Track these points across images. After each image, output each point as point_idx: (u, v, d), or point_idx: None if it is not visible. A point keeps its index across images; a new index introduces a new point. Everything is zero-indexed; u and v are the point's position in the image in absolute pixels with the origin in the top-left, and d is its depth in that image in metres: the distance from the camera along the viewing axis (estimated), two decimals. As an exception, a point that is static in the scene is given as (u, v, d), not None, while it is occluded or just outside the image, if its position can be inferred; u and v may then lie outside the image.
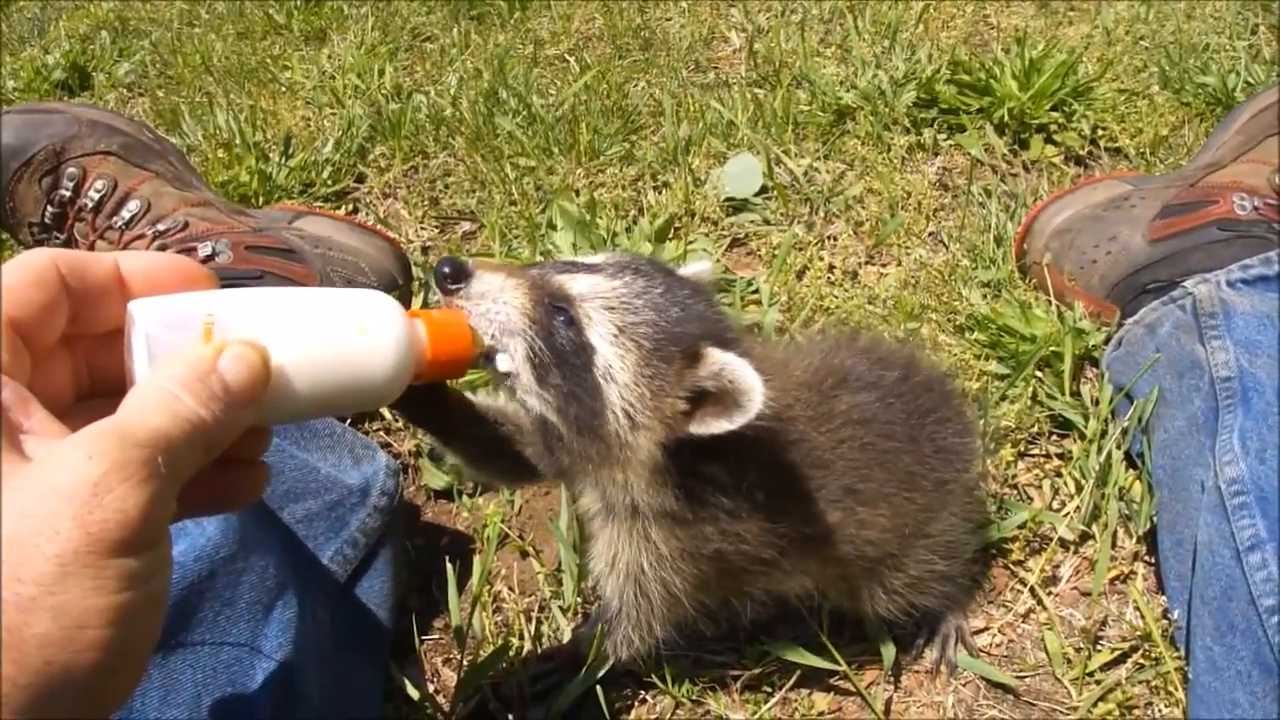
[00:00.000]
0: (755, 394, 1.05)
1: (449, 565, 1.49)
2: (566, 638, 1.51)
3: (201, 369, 0.74)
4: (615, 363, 1.12)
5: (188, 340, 0.78)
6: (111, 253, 0.83)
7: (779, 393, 1.11)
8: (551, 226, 2.20)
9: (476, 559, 1.57)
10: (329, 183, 2.63)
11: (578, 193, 2.37)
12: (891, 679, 1.45)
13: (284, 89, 3.17)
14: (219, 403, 0.74)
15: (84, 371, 0.84)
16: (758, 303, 1.97)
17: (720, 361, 1.08)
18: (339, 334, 0.84)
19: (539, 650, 1.52)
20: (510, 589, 1.60)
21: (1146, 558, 1.56)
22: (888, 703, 1.43)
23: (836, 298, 1.98)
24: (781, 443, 1.19)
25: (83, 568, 0.63)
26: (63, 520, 0.63)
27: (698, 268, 1.25)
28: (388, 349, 0.86)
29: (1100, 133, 2.49)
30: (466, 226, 2.41)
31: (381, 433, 1.87)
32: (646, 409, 1.12)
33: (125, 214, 1.92)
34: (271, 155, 2.73)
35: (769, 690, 1.44)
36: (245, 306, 0.82)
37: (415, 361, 0.90)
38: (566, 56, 3.09)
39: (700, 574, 1.23)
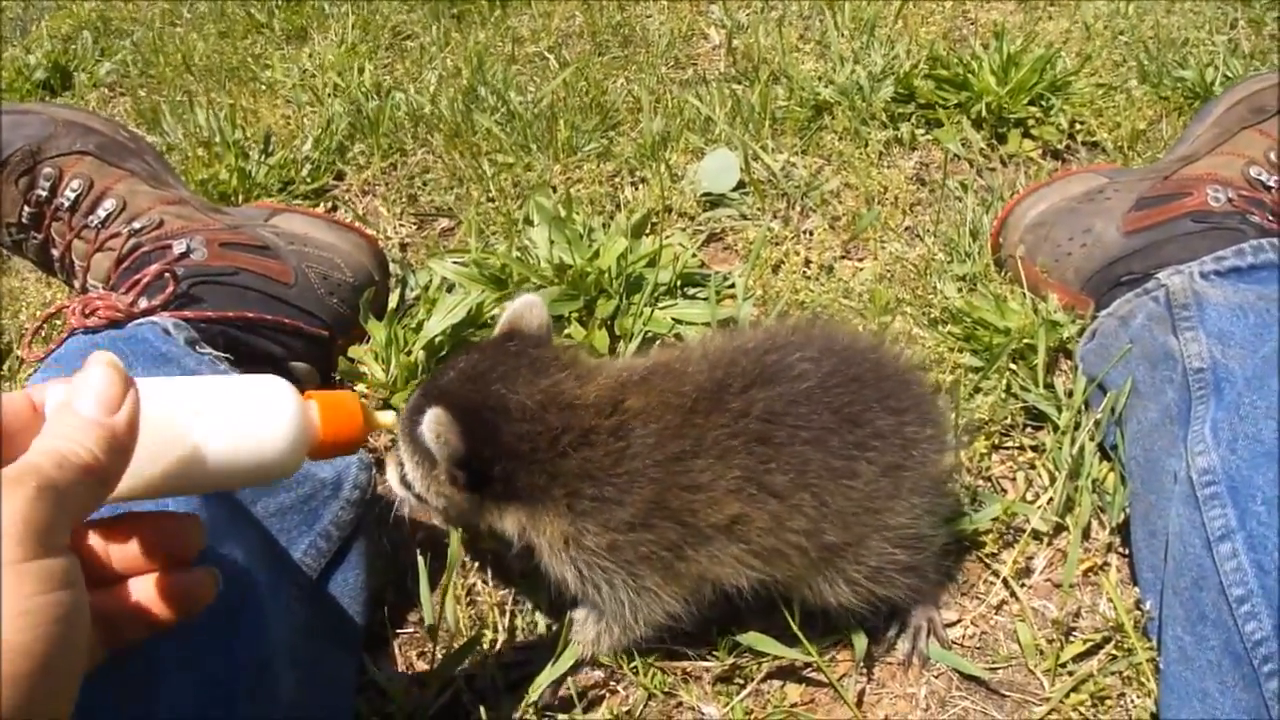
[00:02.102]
0: (429, 437, 1.20)
1: (421, 559, 1.48)
2: (541, 629, 1.51)
3: (60, 412, 0.80)
4: (409, 471, 1.35)
5: None
6: (21, 391, 0.86)
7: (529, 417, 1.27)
8: (528, 222, 2.20)
9: (449, 552, 1.56)
10: (308, 180, 2.63)
11: (555, 189, 2.37)
12: (864, 671, 1.45)
13: (264, 87, 3.17)
14: (85, 430, 0.77)
15: None
16: (733, 297, 1.97)
17: (423, 427, 1.21)
18: (240, 416, 0.91)
19: (513, 642, 1.52)
20: (484, 582, 1.60)
21: (1120, 549, 1.57)
22: (860, 694, 1.43)
23: (812, 291, 1.98)
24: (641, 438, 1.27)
25: None
26: None
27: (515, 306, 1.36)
28: (282, 431, 0.93)
29: (1078, 127, 2.50)
30: (444, 223, 2.41)
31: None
32: (439, 492, 1.32)
33: (101, 213, 1.91)
34: (251, 153, 2.72)
35: (741, 682, 1.45)
36: (160, 391, 0.89)
37: (308, 441, 0.97)
38: (546, 54, 3.09)
39: (634, 567, 1.29)
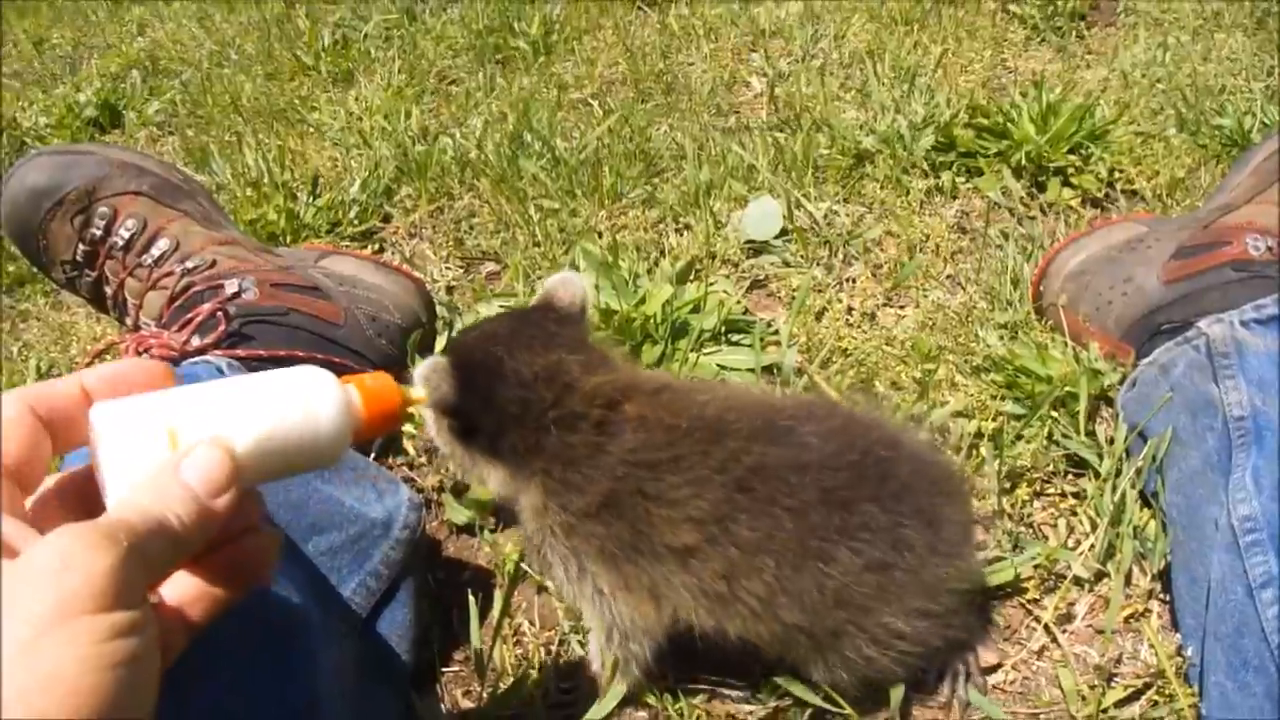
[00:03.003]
0: (420, 381, 1.26)
1: (470, 598, 1.51)
2: (588, 671, 1.53)
3: (164, 476, 0.81)
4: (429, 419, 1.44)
5: (148, 443, 0.85)
6: (74, 374, 0.89)
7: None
8: (574, 267, 2.23)
9: (497, 593, 1.59)
10: (355, 222, 2.67)
11: (600, 235, 2.41)
12: (901, 718, 1.47)
13: (311, 130, 3.22)
14: (184, 503, 0.79)
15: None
16: (777, 344, 1.99)
17: (417, 372, 1.29)
18: (285, 412, 0.93)
19: (559, 683, 1.54)
20: (531, 622, 1.62)
21: (1161, 595, 1.57)
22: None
23: (855, 339, 2.00)
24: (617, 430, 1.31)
25: (54, 626, 0.66)
26: (34, 588, 0.67)
27: (554, 280, 1.43)
28: (329, 419, 0.95)
29: (1117, 175, 2.51)
30: (490, 267, 2.44)
31: (405, 468, 1.90)
32: (443, 439, 1.42)
33: (155, 252, 1.95)
34: (299, 195, 2.76)
35: (785, 725, 1.47)
36: (200, 401, 0.91)
37: (353, 425, 0.99)
38: (590, 100, 3.13)
39: (585, 558, 1.34)
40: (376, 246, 2.61)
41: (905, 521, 1.29)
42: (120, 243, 1.97)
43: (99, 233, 1.97)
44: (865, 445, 1.32)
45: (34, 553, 0.69)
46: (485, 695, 1.48)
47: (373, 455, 1.89)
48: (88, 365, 1.74)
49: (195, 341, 1.73)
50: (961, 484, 1.45)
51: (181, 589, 0.87)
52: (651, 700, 1.49)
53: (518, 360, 1.32)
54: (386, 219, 2.73)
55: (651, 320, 1.99)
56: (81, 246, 1.99)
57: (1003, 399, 1.84)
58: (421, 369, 1.27)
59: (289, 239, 2.62)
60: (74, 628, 0.67)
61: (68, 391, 0.88)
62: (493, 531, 1.76)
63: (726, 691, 1.50)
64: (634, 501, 1.28)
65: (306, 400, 0.95)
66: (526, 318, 1.42)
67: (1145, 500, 1.66)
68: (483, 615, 1.54)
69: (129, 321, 1.99)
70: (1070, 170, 2.49)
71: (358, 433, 1.00)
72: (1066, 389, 1.78)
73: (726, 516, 1.26)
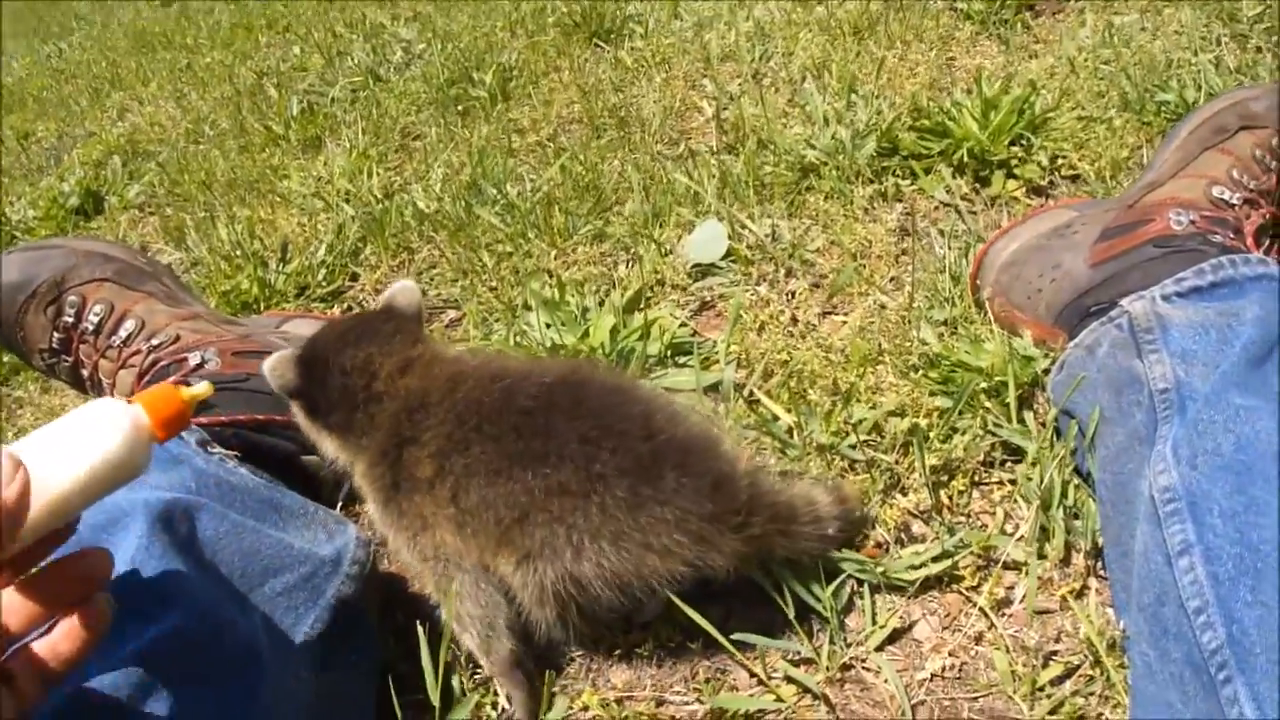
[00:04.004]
0: (267, 371, 1.59)
1: (420, 630, 1.56)
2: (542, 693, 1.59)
3: None
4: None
5: None
6: None
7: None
8: (526, 307, 2.28)
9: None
10: (324, 284, 2.74)
11: (550, 273, 2.45)
12: (843, 709, 1.51)
13: (281, 198, 3.29)
14: None
15: None
16: (719, 362, 2.04)
17: (264, 364, 1.61)
18: (87, 444, 1.06)
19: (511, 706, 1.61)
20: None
21: (1100, 573, 1.61)
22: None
23: (796, 349, 2.04)
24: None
25: None
26: None
27: (394, 288, 1.70)
28: (123, 438, 1.08)
29: (1060, 162, 2.54)
30: (452, 314, 2.50)
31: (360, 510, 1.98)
32: (298, 419, 1.69)
33: (122, 333, 2.05)
34: (270, 262, 2.83)
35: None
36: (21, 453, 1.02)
37: (148, 434, 1.13)
38: (545, 142, 3.19)
39: (376, 495, 1.59)
40: (346, 305, 2.68)
41: (603, 460, 1.42)
42: (90, 327, 2.06)
43: (70, 319, 2.07)
44: (579, 392, 1.50)
45: None
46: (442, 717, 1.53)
47: (339, 505, 1.95)
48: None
49: (163, 413, 1.80)
50: (712, 445, 1.52)
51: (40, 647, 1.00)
52: (600, 710, 1.54)
53: (343, 355, 1.58)
54: (354, 278, 2.80)
55: (599, 351, 2.04)
56: (56, 334, 2.09)
57: (936, 395, 1.87)
58: (269, 361, 1.58)
59: (263, 305, 2.69)
60: None
61: None
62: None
63: (670, 698, 1.55)
64: (397, 448, 1.52)
65: (102, 429, 1.07)
66: (363, 319, 1.71)
67: (1081, 480, 1.69)
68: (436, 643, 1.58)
69: (104, 401, 2.05)
70: (1013, 162, 2.53)
71: (155, 437, 1.14)
72: (997, 378, 1.82)
73: (451, 449, 1.47)
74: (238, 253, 2.88)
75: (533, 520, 1.42)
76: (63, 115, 5.64)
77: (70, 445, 1.06)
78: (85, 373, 2.11)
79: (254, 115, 4.27)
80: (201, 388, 1.26)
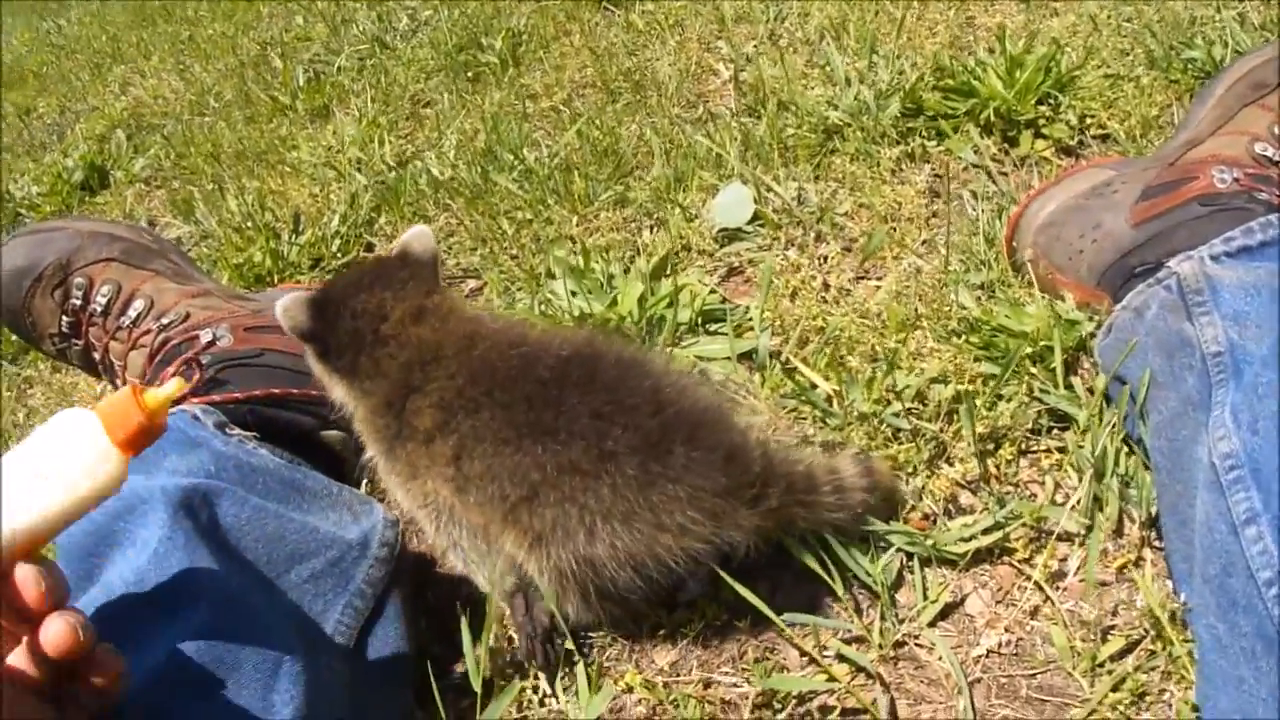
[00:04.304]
0: (279, 312, 1.54)
1: (461, 613, 1.52)
2: (581, 676, 1.55)
3: None
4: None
5: None
6: None
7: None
8: (550, 276, 2.25)
9: (489, 605, 1.61)
10: (338, 255, 2.71)
11: (573, 240, 2.41)
12: (898, 688, 1.47)
13: (291, 169, 3.24)
14: None
15: None
16: (753, 329, 2.00)
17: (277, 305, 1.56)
18: (45, 479, 1.06)
19: (554, 688, 1.57)
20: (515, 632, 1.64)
21: (1155, 543, 1.56)
22: (892, 709, 1.45)
23: (830, 316, 2.00)
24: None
25: None
26: None
27: (409, 234, 1.68)
28: (85, 468, 1.08)
29: (1088, 121, 2.48)
30: (472, 284, 2.47)
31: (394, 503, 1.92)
32: (310, 363, 1.66)
33: (131, 313, 2.02)
34: (282, 234, 2.79)
35: (779, 706, 1.47)
36: None
37: (112, 455, 1.11)
38: (560, 107, 3.15)
39: (376, 444, 1.59)
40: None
41: (614, 436, 1.39)
42: (99, 309, 2.03)
43: (78, 302, 2.04)
44: (593, 365, 1.47)
45: None
46: (483, 704, 1.48)
47: (364, 485, 1.91)
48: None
49: (176, 393, 1.76)
50: (723, 416, 1.51)
51: None
52: (645, 692, 1.50)
53: (355, 298, 1.56)
54: (369, 248, 2.76)
55: (628, 319, 2.00)
56: (64, 318, 2.06)
57: (980, 361, 1.82)
58: (283, 301, 1.54)
59: (276, 279, 2.66)
60: None
61: None
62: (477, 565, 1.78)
63: (718, 678, 1.51)
64: (402, 396, 1.51)
65: (65, 456, 1.08)
66: (379, 265, 1.68)
67: (1131, 447, 1.65)
68: (478, 627, 1.53)
69: (118, 382, 2.03)
70: (1041, 121, 2.47)
71: (126, 452, 1.11)
72: (1042, 343, 1.77)
73: (459, 407, 1.44)
74: (249, 224, 2.85)
75: (543, 500, 1.40)
76: (64, 91, 5.60)
77: (28, 475, 1.06)
78: (96, 355, 2.08)
79: (259, 86, 4.23)
80: (169, 387, 1.21)
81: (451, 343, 1.52)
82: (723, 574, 1.44)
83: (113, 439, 1.10)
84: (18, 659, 1.02)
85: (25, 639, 1.02)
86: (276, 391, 1.87)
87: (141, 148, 4.11)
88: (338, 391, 1.62)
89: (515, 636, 1.61)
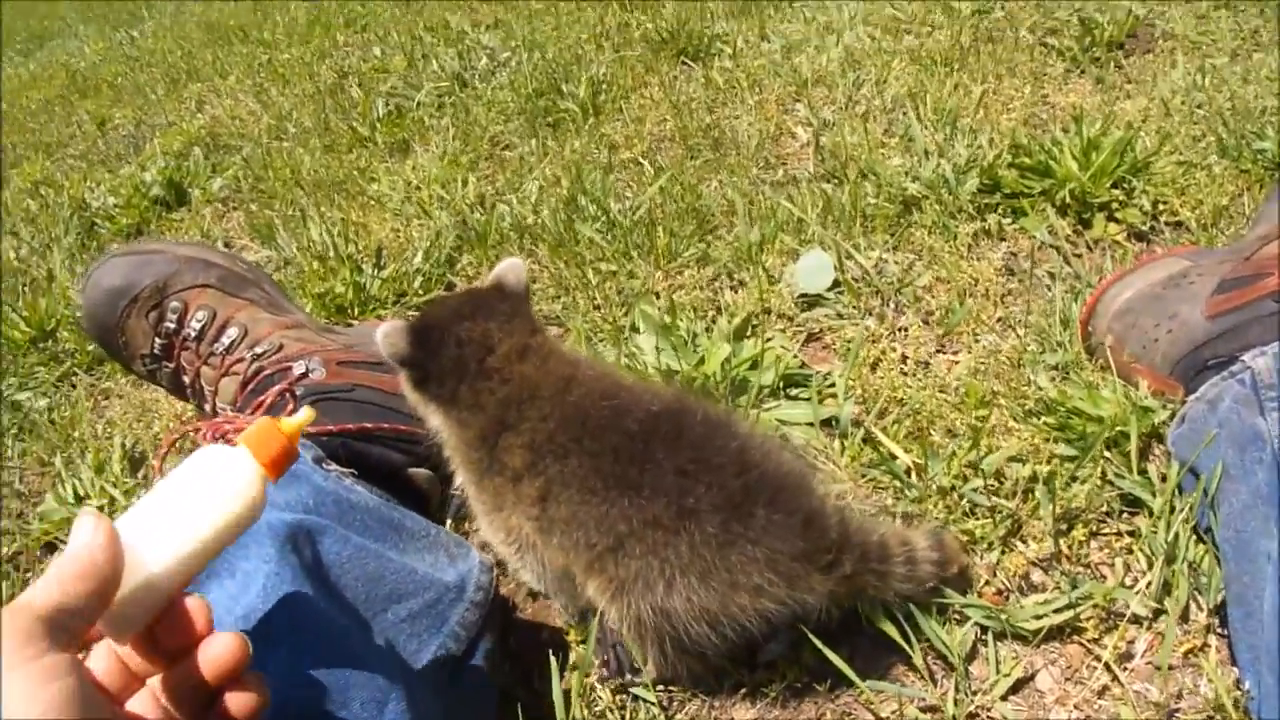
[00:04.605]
0: (380, 338, 1.54)
1: (551, 658, 1.58)
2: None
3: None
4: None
5: None
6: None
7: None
8: (634, 329, 2.31)
9: (572, 653, 1.66)
10: (420, 292, 2.77)
11: (658, 295, 2.47)
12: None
13: (372, 201, 3.31)
14: (71, 560, 0.96)
15: None
16: (834, 396, 2.05)
17: (378, 332, 1.56)
18: (197, 501, 1.12)
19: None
20: (602, 680, 1.69)
21: (1219, 630, 1.60)
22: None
23: (909, 388, 2.05)
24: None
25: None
26: None
27: (501, 266, 1.69)
28: (234, 489, 1.14)
29: (1160, 207, 2.53)
30: (553, 331, 2.51)
31: (478, 531, 1.97)
32: (405, 389, 1.66)
33: (225, 340, 2.07)
34: (364, 267, 2.85)
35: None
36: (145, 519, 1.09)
37: (258, 481, 1.17)
38: (640, 159, 3.21)
39: (468, 473, 1.63)
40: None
41: (697, 494, 1.43)
42: (193, 334, 2.07)
43: (172, 326, 2.09)
44: (681, 422, 1.50)
45: None
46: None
47: (448, 522, 1.97)
48: (164, 455, 1.85)
49: (269, 421, 1.82)
50: (804, 481, 1.54)
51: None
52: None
53: (460, 326, 1.57)
54: (449, 287, 2.82)
55: (711, 379, 2.06)
56: (158, 340, 2.10)
57: (1055, 441, 1.87)
58: (383, 327, 1.54)
59: (357, 311, 2.72)
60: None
61: None
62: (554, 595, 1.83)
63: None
64: (495, 432, 1.54)
65: (215, 483, 1.14)
66: (477, 295, 1.68)
67: (1199, 536, 1.69)
68: (560, 674, 1.59)
69: (207, 408, 2.08)
70: (1114, 205, 2.52)
71: (269, 477, 1.18)
72: (1118, 429, 1.82)
73: (548, 450, 1.49)
74: (331, 255, 2.90)
75: (627, 551, 1.45)
76: (140, 103, 5.69)
77: (187, 504, 1.11)
78: (186, 379, 2.12)
79: (338, 115, 4.31)
80: (302, 415, 1.28)
81: (548, 384, 1.55)
82: (811, 636, 1.49)
83: (260, 462, 1.17)
84: (141, 704, 1.07)
85: (157, 679, 1.08)
86: (369, 426, 1.92)
87: (220, 167, 4.19)
88: (433, 419, 1.64)
89: (595, 663, 1.67)
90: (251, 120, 4.70)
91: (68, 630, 0.91)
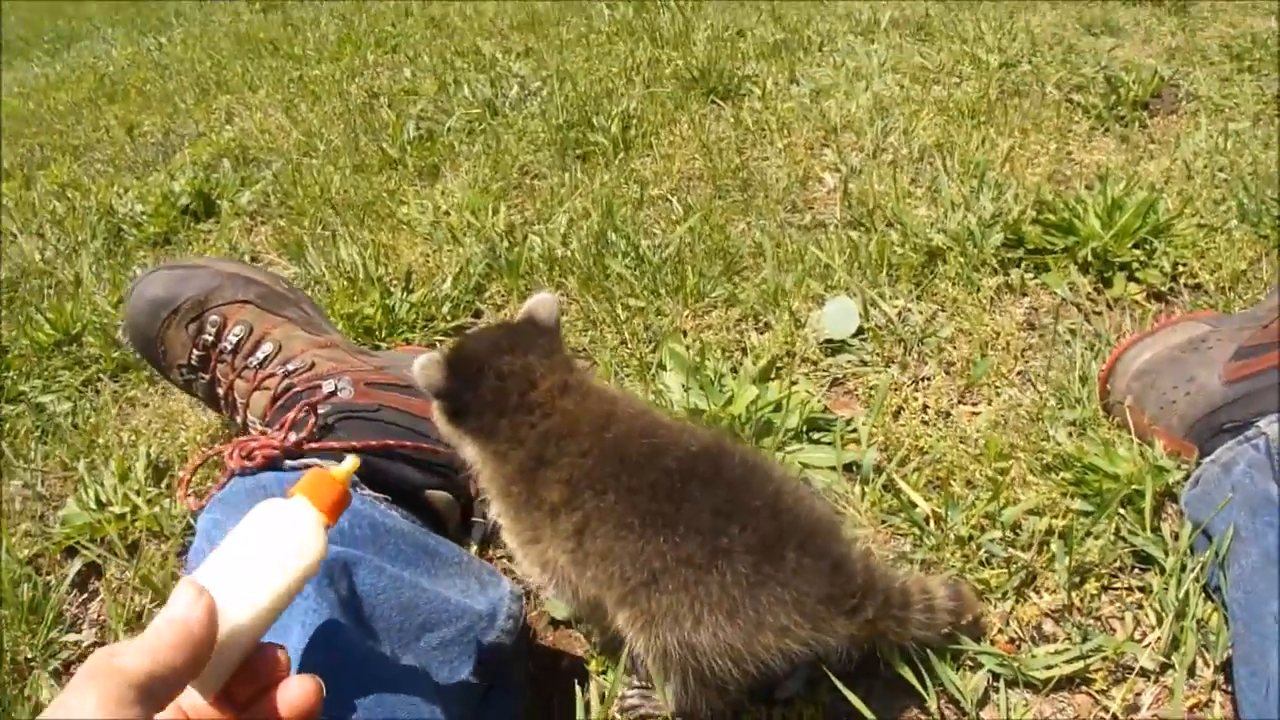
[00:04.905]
0: (417, 370, 1.57)
1: (576, 688, 1.62)
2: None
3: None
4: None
5: None
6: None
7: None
8: (661, 367, 2.35)
9: (593, 682, 1.71)
10: (448, 318, 2.80)
11: (685, 333, 2.52)
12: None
13: (403, 224, 3.35)
14: (168, 626, 1.01)
15: None
16: (856, 441, 2.10)
17: (415, 364, 1.58)
18: (265, 557, 1.18)
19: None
20: (621, 714, 1.73)
21: (1224, 687, 1.64)
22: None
23: (930, 437, 2.10)
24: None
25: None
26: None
27: (533, 300, 1.71)
28: (302, 543, 1.20)
29: (1180, 269, 2.58)
30: (580, 364, 2.53)
31: (505, 559, 2.01)
32: (437, 419, 1.67)
33: (259, 355, 2.11)
34: (393, 290, 2.89)
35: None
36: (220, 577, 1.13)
37: (320, 530, 1.23)
38: (669, 196, 3.27)
39: (503, 503, 1.64)
40: (473, 339, 2.72)
41: (731, 534, 1.46)
42: (229, 347, 2.12)
43: (210, 338, 2.14)
44: (719, 463, 1.54)
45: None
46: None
47: (474, 548, 2.01)
48: (191, 475, 1.91)
49: (292, 437, 1.86)
50: (834, 527, 1.57)
51: None
52: None
53: (500, 359, 1.60)
54: (477, 314, 2.87)
55: (738, 420, 2.10)
56: (195, 352, 2.16)
57: (1072, 496, 1.92)
58: (420, 360, 1.57)
59: (385, 333, 2.76)
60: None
61: None
62: (585, 623, 1.87)
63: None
64: (534, 466, 1.55)
65: (281, 537, 1.20)
66: (512, 328, 1.69)
67: (1208, 594, 1.73)
68: (585, 709, 1.63)
69: (239, 420, 2.12)
70: (1135, 265, 2.56)
71: (327, 524, 1.24)
72: (1133, 487, 1.86)
73: (586, 485, 1.51)
74: (361, 276, 2.94)
75: (660, 586, 1.47)
76: (169, 111, 5.73)
77: (258, 558, 1.16)
78: (220, 391, 2.17)
79: (367, 136, 4.36)
80: (349, 463, 1.33)
81: (588, 420, 1.57)
82: (831, 675, 1.53)
83: (319, 510, 1.23)
84: None
85: None
86: (391, 443, 1.96)
87: (248, 180, 4.23)
88: (468, 451, 1.65)
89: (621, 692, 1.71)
90: (281, 135, 4.74)
91: (156, 697, 0.95)
